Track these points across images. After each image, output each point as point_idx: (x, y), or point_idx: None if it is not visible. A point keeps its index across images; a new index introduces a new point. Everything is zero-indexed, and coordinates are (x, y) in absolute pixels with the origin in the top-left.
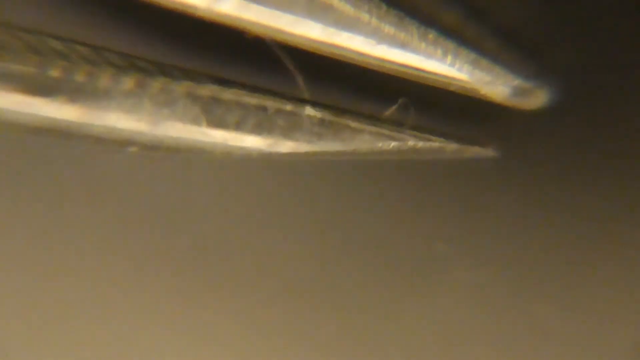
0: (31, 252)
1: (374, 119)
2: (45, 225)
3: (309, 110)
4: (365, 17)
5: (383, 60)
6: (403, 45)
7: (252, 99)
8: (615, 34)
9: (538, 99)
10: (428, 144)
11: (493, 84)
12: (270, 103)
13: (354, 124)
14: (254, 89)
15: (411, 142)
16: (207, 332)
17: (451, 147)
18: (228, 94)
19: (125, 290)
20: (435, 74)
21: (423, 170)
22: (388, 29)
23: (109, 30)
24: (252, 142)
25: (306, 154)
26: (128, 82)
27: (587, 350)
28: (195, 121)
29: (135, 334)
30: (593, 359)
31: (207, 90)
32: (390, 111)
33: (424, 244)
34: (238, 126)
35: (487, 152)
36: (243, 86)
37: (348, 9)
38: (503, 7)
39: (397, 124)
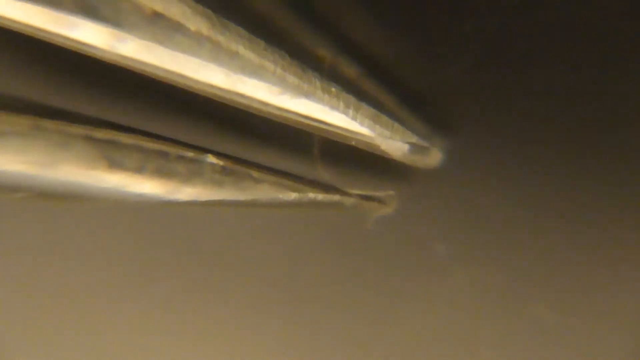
0: None
1: (275, 170)
2: None
3: (210, 158)
4: (269, 66)
5: (286, 110)
6: (306, 96)
7: (152, 144)
8: (512, 96)
9: (435, 157)
10: (328, 197)
11: (392, 140)
12: (171, 149)
13: (255, 173)
14: (154, 135)
15: (311, 195)
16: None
17: (350, 201)
18: (128, 138)
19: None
20: (336, 127)
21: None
22: (292, 79)
23: (2, 71)
24: (150, 188)
25: (206, 202)
26: (21, 123)
27: (587, 351)
28: (93, 164)
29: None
30: None
31: (106, 133)
32: (292, 161)
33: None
34: (138, 171)
35: (384, 208)
36: (143, 132)
37: (253, 56)
38: (404, 66)
39: (298, 176)
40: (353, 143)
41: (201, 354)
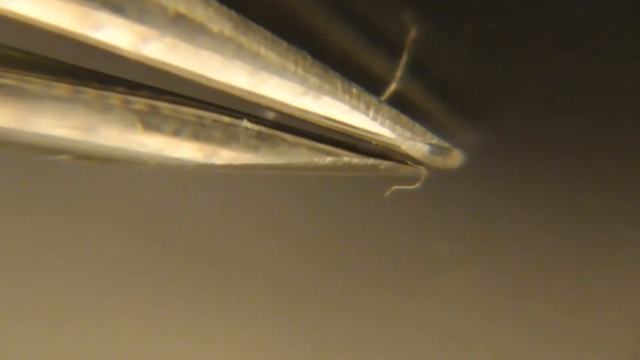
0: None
1: (310, 133)
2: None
3: (246, 123)
4: (291, 66)
5: (307, 111)
6: (327, 97)
7: (189, 109)
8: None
9: (455, 158)
10: (363, 161)
11: (413, 140)
12: (208, 114)
13: (290, 137)
14: (191, 100)
15: (346, 158)
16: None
17: (385, 164)
18: (164, 103)
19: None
20: (357, 127)
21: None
22: (313, 79)
23: (43, 37)
24: (188, 152)
25: (242, 166)
26: (61, 87)
27: (587, 351)
28: (131, 129)
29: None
30: None
31: (144, 98)
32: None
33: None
34: (175, 134)
35: (418, 170)
36: (180, 96)
37: (275, 57)
38: (425, 68)
39: (333, 140)
40: (374, 143)
41: (202, 354)
